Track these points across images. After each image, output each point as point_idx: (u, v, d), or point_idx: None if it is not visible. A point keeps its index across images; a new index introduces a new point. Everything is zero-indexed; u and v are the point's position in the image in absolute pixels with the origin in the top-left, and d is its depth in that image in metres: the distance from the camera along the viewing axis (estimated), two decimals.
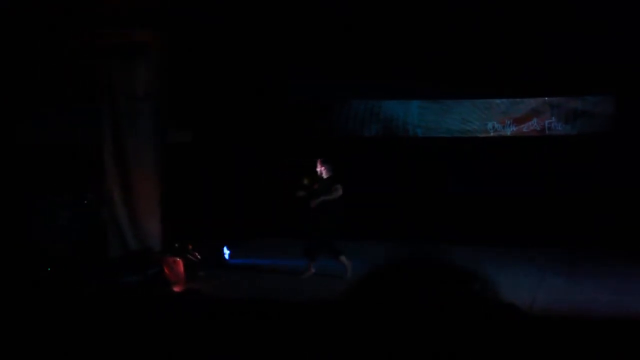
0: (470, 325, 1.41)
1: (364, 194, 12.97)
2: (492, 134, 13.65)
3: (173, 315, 5.32)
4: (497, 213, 12.89)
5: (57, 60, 10.97)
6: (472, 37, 11.36)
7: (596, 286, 9.81)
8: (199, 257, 11.30)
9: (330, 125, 14.32)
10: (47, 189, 11.86)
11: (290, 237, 13.34)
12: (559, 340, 3.49)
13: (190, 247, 11.31)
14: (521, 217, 12.79)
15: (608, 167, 12.66)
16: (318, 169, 10.51)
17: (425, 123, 13.99)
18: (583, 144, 13.01)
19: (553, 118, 13.32)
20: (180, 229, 11.26)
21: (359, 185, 12.44)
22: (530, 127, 13.45)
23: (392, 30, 11.24)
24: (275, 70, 13.27)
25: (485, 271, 1.53)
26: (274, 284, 10.37)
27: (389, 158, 13.95)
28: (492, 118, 13.66)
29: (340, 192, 10.35)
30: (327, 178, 10.44)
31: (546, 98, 13.34)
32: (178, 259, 10.51)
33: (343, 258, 10.38)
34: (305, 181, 10.62)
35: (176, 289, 9.80)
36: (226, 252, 11.96)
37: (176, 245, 11.06)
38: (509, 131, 13.56)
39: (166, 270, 10.15)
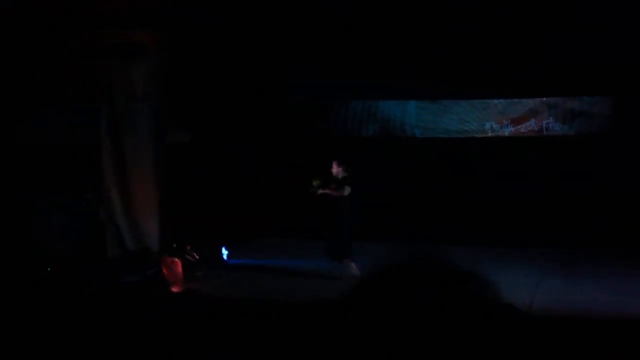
0: (469, 325, 1.42)
1: (363, 194, 12.97)
2: (490, 135, 13.66)
3: (171, 316, 5.33)
4: (496, 213, 12.90)
5: (57, 60, 10.96)
6: (470, 37, 11.36)
7: (595, 286, 9.81)
8: (197, 257, 11.31)
9: (329, 125, 14.33)
10: (46, 189, 11.86)
11: (290, 237, 13.37)
12: (558, 340, 3.50)
13: (188, 247, 11.32)
14: (520, 217, 12.80)
15: (606, 167, 12.68)
16: (334, 170, 10.57)
17: (423, 123, 14.00)
18: (581, 144, 13.02)
19: (551, 118, 13.33)
20: (179, 229, 11.27)
21: (358, 185, 12.44)
22: (528, 127, 13.46)
23: (391, 31, 11.24)
24: (275, 70, 13.27)
25: (484, 271, 1.54)
26: (273, 284, 10.38)
27: (387, 158, 13.97)
28: (489, 118, 13.67)
29: (346, 191, 10.41)
30: (342, 179, 10.51)
31: (544, 98, 13.35)
32: (176, 259, 10.52)
33: (347, 260, 10.45)
34: (314, 182, 10.65)
35: (174, 289, 9.81)
36: (224, 252, 11.96)
37: (174, 245, 11.07)
38: (506, 131, 13.57)
39: (164, 271, 10.16)
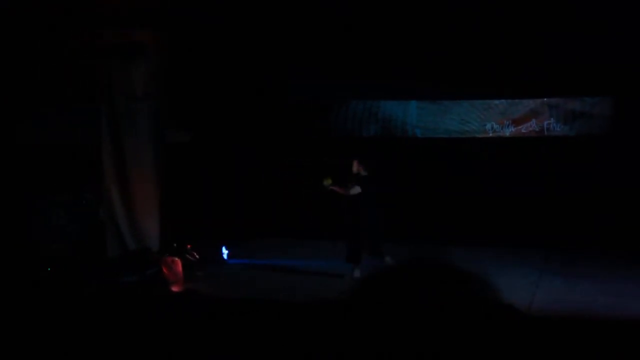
0: (469, 325, 1.42)
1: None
2: (490, 135, 13.66)
3: (172, 315, 5.33)
4: (496, 213, 12.89)
5: (57, 60, 10.97)
6: (470, 38, 11.36)
7: (595, 286, 9.79)
8: (197, 257, 11.31)
9: (329, 125, 14.33)
10: (46, 189, 11.87)
11: (290, 237, 13.37)
12: (558, 341, 3.50)
13: (188, 246, 11.33)
14: (520, 217, 12.80)
15: (606, 168, 12.68)
16: (354, 169, 10.54)
17: (423, 123, 14.01)
18: (581, 144, 13.03)
19: (552, 119, 13.33)
20: (179, 229, 11.27)
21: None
22: (528, 127, 13.46)
23: (391, 31, 11.24)
24: (275, 70, 13.27)
25: (484, 271, 1.54)
26: (273, 283, 10.37)
27: (388, 158, 13.96)
28: (490, 119, 13.67)
29: (354, 191, 10.38)
30: (363, 177, 10.47)
31: (545, 99, 13.35)
32: (176, 259, 10.51)
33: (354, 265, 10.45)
34: (325, 181, 10.64)
35: (174, 288, 9.81)
36: (224, 252, 11.96)
37: (174, 245, 11.07)
38: (507, 132, 13.57)
39: (165, 270, 10.15)
